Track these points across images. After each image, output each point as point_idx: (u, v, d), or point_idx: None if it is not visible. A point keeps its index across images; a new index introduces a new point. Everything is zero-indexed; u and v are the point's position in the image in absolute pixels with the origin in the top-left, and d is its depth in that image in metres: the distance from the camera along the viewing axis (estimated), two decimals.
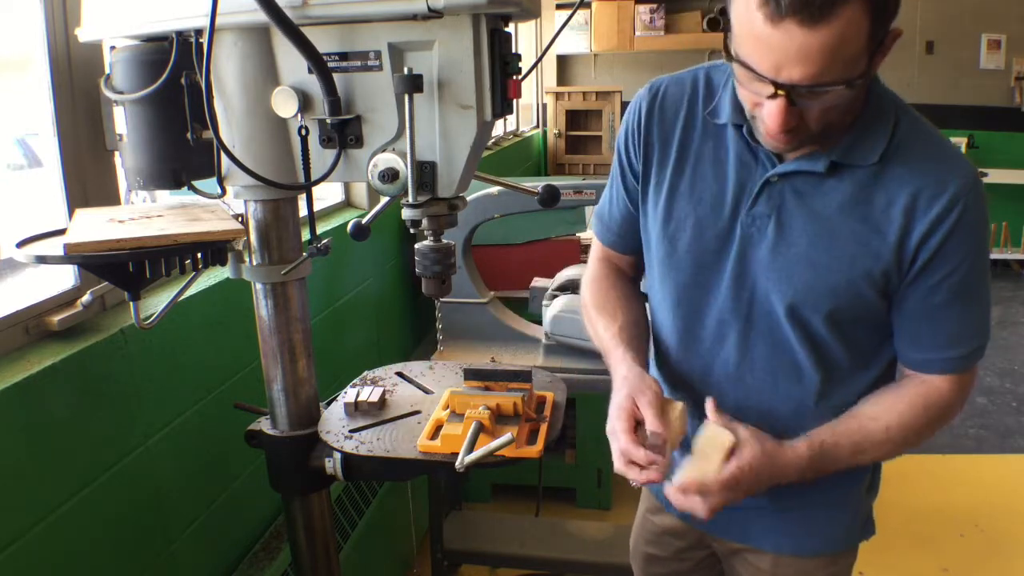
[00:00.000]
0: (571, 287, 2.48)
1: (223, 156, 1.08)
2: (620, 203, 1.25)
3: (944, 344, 1.07)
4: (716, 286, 1.13)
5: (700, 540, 1.35)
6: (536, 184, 1.28)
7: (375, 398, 1.36)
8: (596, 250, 1.35)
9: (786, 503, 1.20)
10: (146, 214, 1.19)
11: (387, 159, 1.06)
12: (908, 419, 1.08)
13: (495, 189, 2.40)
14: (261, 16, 0.94)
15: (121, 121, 1.19)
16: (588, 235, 3.14)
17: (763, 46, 0.86)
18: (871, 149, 1.01)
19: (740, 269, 1.10)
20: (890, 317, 1.09)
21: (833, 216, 1.03)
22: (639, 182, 1.19)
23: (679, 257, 1.15)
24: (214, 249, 1.15)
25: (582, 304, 1.32)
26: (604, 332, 1.22)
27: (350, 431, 1.29)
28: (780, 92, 0.89)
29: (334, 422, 1.32)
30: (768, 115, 0.93)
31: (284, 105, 1.06)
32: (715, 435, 1.04)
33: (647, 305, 1.31)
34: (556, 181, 2.17)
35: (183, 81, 1.10)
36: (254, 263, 1.24)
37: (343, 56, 1.04)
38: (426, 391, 1.45)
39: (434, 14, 0.97)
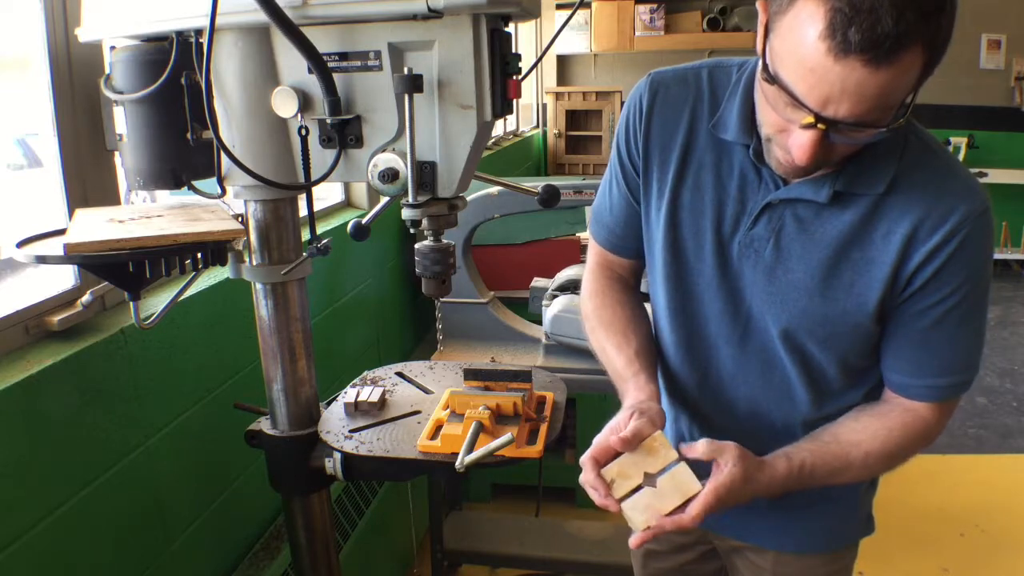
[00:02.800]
0: (571, 287, 2.48)
1: (223, 156, 1.08)
2: (621, 201, 1.21)
3: (929, 372, 1.05)
4: (713, 301, 1.11)
5: (701, 536, 1.35)
6: (536, 184, 1.28)
7: (375, 398, 1.36)
8: (595, 256, 1.31)
9: (787, 502, 1.20)
10: (146, 214, 1.19)
11: (387, 159, 1.06)
12: (889, 448, 1.07)
13: (495, 189, 2.40)
14: (261, 16, 0.93)
15: (121, 121, 1.19)
16: (588, 235, 3.14)
17: (816, 77, 0.81)
18: (878, 178, 0.98)
19: (737, 287, 1.09)
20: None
21: (832, 245, 1.01)
22: (640, 178, 1.16)
23: (679, 268, 1.13)
24: (214, 249, 1.15)
25: (585, 318, 1.27)
26: (617, 355, 1.17)
27: (350, 431, 1.29)
28: (820, 126, 0.85)
29: (334, 422, 1.33)
30: (796, 145, 0.89)
31: (284, 105, 1.06)
32: (682, 481, 0.99)
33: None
34: (556, 181, 2.17)
35: (183, 81, 1.10)
36: (254, 263, 1.24)
37: (343, 56, 1.04)
38: (426, 391, 1.45)
39: (434, 14, 0.97)
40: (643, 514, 0.99)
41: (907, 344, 1.05)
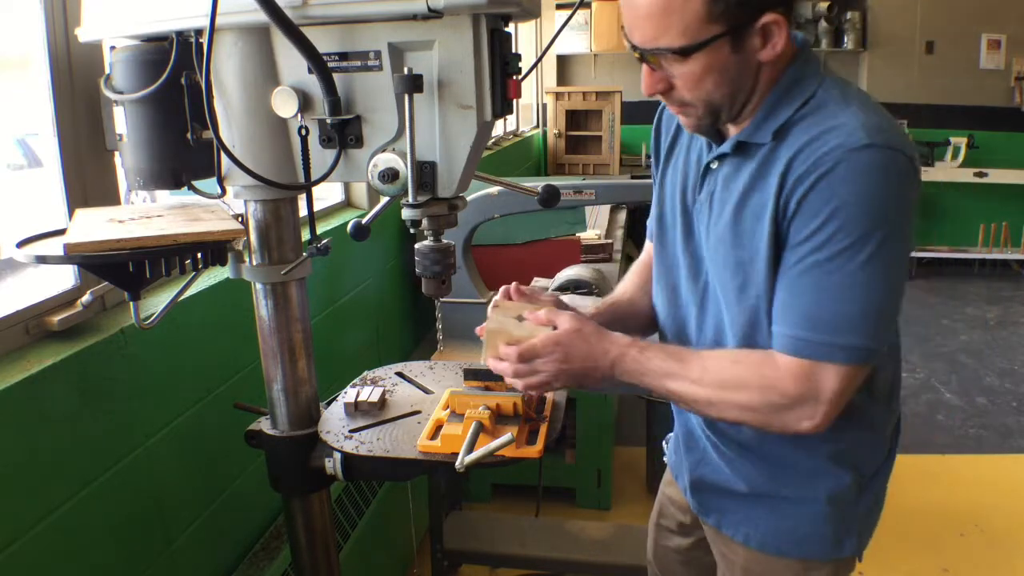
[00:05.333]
0: (571, 287, 2.48)
1: (223, 156, 1.08)
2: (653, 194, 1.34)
3: (789, 320, 1.01)
4: (682, 267, 1.20)
5: (695, 520, 1.38)
6: (536, 184, 1.29)
7: (375, 398, 1.36)
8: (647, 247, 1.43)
9: (755, 488, 1.20)
10: (146, 214, 1.19)
11: (387, 159, 1.06)
12: (726, 374, 1.04)
13: (495, 189, 2.40)
14: (261, 16, 0.94)
15: (121, 121, 1.19)
16: (588, 235, 3.15)
17: (623, 9, 1.00)
18: (770, 126, 1.03)
19: (697, 253, 1.16)
20: None
21: (738, 193, 1.06)
22: (655, 167, 1.31)
23: (662, 239, 1.24)
24: (214, 249, 1.15)
25: None
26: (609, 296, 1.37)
27: (350, 431, 1.29)
28: (635, 54, 1.01)
29: (334, 422, 1.33)
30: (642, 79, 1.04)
31: (284, 105, 1.06)
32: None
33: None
34: (556, 181, 2.17)
35: (183, 81, 1.10)
36: (254, 263, 1.24)
37: (343, 56, 1.04)
38: (426, 391, 1.45)
39: (434, 14, 0.97)
40: (498, 327, 1.15)
41: (780, 287, 1.02)
